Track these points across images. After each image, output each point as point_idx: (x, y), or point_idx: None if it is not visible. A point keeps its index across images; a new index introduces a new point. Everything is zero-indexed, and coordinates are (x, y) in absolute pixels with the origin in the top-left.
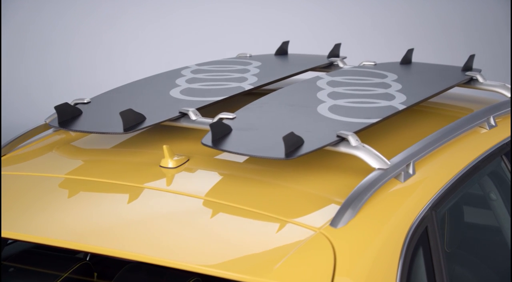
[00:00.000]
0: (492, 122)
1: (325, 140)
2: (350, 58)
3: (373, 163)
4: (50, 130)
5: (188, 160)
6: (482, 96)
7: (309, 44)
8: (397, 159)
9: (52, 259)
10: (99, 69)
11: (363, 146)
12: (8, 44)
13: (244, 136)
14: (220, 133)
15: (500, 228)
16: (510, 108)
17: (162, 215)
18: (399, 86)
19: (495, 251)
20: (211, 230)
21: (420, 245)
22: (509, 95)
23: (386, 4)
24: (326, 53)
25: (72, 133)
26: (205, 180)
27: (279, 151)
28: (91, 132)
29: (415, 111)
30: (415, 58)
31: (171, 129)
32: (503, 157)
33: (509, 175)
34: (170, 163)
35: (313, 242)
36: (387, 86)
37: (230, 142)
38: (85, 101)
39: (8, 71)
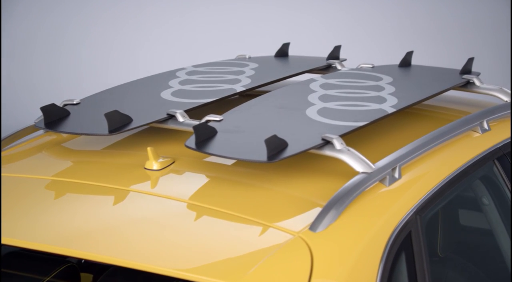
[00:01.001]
0: (486, 126)
1: (309, 143)
2: (359, 60)
3: (357, 166)
4: (42, 131)
5: (173, 162)
6: (481, 100)
7: (331, 46)
8: (382, 162)
9: (37, 262)
10: (114, 70)
11: (348, 149)
12: (20, 44)
13: (229, 138)
14: (204, 135)
15: (493, 233)
16: (510, 111)
17: (141, 218)
18: (392, 89)
19: (488, 256)
20: (189, 233)
21: (403, 250)
22: (505, 99)
23: (398, 6)
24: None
25: (64, 135)
26: (188, 182)
27: (262, 154)
28: (75, 134)
29: (409, 114)
30: (419, 61)
31: (160, 131)
32: (495, 161)
33: (501, 179)
34: (155, 165)
35: (290, 246)
36: (380, 89)
37: (214, 144)
38: (75, 102)
39: (19, 71)
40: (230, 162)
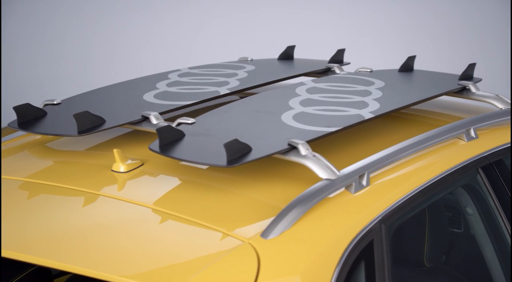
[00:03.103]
0: (472, 134)
1: (274, 148)
2: (371, 64)
3: (321, 172)
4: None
5: (142, 164)
6: (481, 107)
7: (350, 49)
8: (348, 169)
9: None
10: (124, 71)
11: (314, 155)
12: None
13: (195, 142)
14: (170, 138)
15: (477, 243)
16: (500, 119)
17: (96, 222)
18: (380, 94)
19: (473, 265)
20: (140, 239)
21: (362, 258)
22: (500, 106)
23: (420, 10)
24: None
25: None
26: (152, 186)
27: (223, 158)
28: (45, 134)
29: (397, 118)
30: (428, 65)
31: (136, 133)
32: (480, 170)
33: (485, 189)
34: (122, 167)
35: (238, 253)
36: (367, 94)
37: (178, 148)
38: (55, 102)
39: (24, 69)
40: (199, 165)
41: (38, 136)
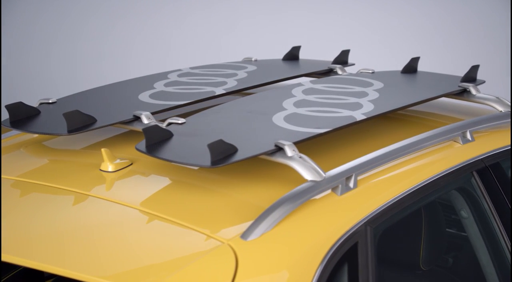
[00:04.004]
0: (469, 137)
1: (260, 149)
2: (380, 65)
3: (306, 174)
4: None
5: (131, 164)
6: (480, 108)
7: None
8: (335, 171)
9: None
10: (132, 70)
11: (300, 157)
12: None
13: (182, 142)
14: (157, 138)
15: (472, 246)
16: (509, 120)
17: (80, 222)
18: (376, 95)
19: (468, 268)
20: (120, 240)
21: (346, 260)
22: (500, 109)
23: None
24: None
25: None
26: (138, 185)
27: (208, 159)
28: (35, 133)
29: (393, 119)
30: (439, 66)
31: (128, 132)
32: (474, 173)
33: (479, 192)
34: (110, 167)
35: (216, 254)
36: (364, 95)
37: (165, 148)
38: (50, 101)
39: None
40: (187, 165)
41: (35, 135)
